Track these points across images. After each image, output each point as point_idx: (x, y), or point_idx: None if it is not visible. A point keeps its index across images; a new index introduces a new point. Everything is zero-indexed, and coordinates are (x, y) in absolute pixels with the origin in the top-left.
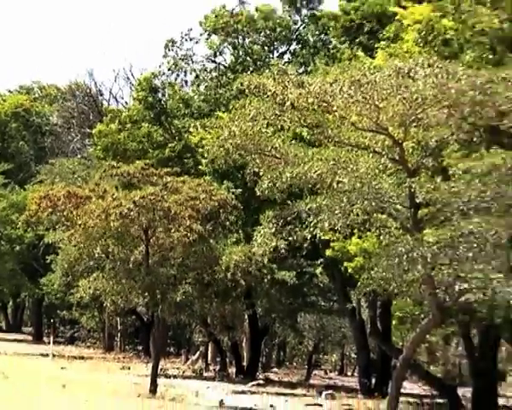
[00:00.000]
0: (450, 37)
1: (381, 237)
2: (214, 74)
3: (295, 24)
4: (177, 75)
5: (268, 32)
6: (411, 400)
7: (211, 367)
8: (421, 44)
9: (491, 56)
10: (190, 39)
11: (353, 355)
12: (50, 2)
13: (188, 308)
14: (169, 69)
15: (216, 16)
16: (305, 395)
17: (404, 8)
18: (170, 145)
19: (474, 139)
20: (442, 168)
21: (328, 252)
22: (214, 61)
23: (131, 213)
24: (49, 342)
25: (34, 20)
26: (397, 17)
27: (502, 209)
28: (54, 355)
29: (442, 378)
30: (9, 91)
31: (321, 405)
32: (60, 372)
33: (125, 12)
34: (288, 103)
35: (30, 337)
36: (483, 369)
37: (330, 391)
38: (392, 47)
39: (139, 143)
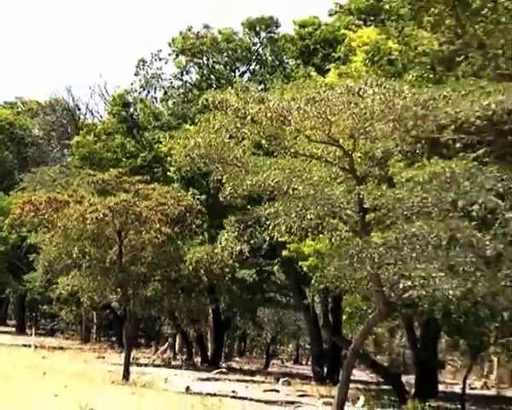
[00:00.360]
0: (394, 57)
1: (333, 240)
2: (181, 91)
3: (254, 45)
4: (148, 92)
5: (230, 53)
6: (360, 386)
7: (178, 357)
8: (369, 65)
9: (431, 76)
10: (160, 59)
11: (307, 346)
12: (31, 23)
13: (157, 303)
14: (140, 86)
15: (183, 38)
16: (263, 382)
17: (353, 31)
18: (141, 155)
19: (417, 150)
20: (387, 177)
21: (285, 252)
22: (181, 79)
23: (106, 216)
24: (31, 334)
25: (17, 40)
26: (346, 40)
27: (441, 214)
28: (35, 346)
29: (387, 367)
30: (6, 105)
31: (278, 390)
32: (41, 361)
33: (100, 32)
34: (248, 117)
35: (14, 329)
36: (424, 358)
37: (286, 378)
38: (343, 67)
39: (113, 154)
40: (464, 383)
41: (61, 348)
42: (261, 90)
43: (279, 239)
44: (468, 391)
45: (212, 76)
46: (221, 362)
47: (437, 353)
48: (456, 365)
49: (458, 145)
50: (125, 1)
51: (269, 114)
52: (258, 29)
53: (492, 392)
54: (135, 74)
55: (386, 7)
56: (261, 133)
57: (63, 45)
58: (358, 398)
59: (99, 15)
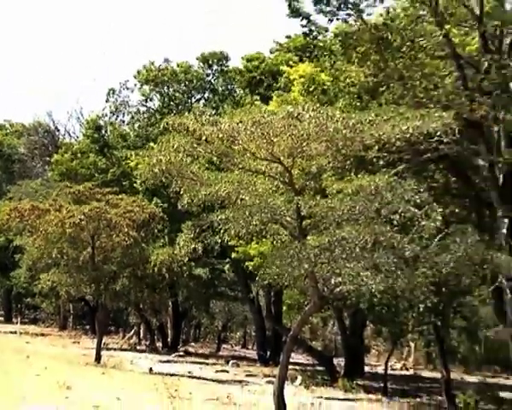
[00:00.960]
0: (327, 87)
1: (275, 243)
2: (145, 116)
3: (208, 76)
4: (117, 116)
5: (187, 83)
6: (298, 367)
7: (142, 342)
8: (305, 94)
9: (358, 103)
10: (127, 88)
11: (253, 333)
12: (14, 54)
13: (124, 296)
14: (110, 112)
15: (146, 70)
16: (215, 364)
17: (292, 66)
18: (111, 171)
19: (346, 167)
20: (321, 189)
21: (234, 254)
22: (145, 106)
23: (81, 222)
24: (16, 323)
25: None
26: (286, 73)
27: (367, 220)
28: (20, 333)
29: (321, 351)
30: None
31: (228, 371)
32: (25, 346)
33: (77, 65)
34: (203, 138)
35: (1, 319)
36: (353, 344)
37: (235, 361)
38: (283, 96)
39: (87, 169)
40: (386, 364)
41: (43, 335)
42: (214, 114)
43: (229, 242)
44: (389, 372)
45: (171, 103)
46: (179, 347)
47: (363, 339)
48: (379, 349)
49: (381, 162)
50: (97, 37)
51: (220, 135)
52: (210, 62)
53: (410, 372)
54: (106, 101)
55: (320, 44)
56: (213, 152)
57: (45, 74)
58: (296, 377)
59: (75, 50)
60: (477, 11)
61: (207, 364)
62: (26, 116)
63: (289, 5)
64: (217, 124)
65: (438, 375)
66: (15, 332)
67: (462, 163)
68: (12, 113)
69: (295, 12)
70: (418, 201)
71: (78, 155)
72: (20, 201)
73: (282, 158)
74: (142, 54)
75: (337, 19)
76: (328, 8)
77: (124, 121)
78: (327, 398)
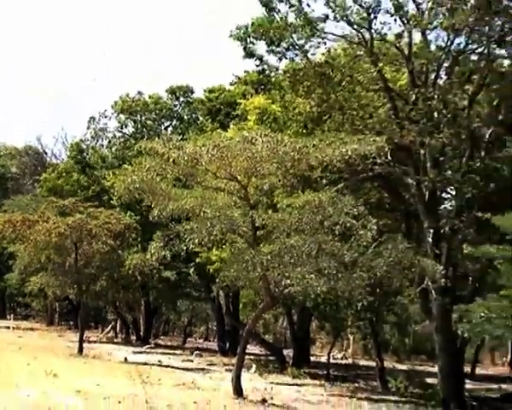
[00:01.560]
0: (277, 117)
1: (232, 250)
2: (121, 140)
3: (175, 106)
4: (97, 141)
5: (157, 112)
6: (252, 357)
7: (119, 336)
8: (259, 122)
9: (304, 130)
10: (105, 117)
11: (214, 328)
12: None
13: (103, 296)
14: (91, 137)
15: (122, 101)
16: (181, 354)
17: (248, 98)
18: (91, 187)
19: (294, 184)
20: (273, 204)
21: (198, 259)
22: (121, 132)
23: (66, 232)
24: (10, 319)
25: None
26: (242, 104)
27: (312, 231)
28: (13, 328)
29: (273, 343)
30: None
31: (192, 360)
32: (17, 339)
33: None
34: (170, 160)
35: None
36: (300, 336)
37: (198, 352)
38: (240, 124)
39: (71, 186)
40: (329, 354)
41: (32, 330)
42: (180, 140)
43: (193, 249)
44: (331, 361)
45: (143, 129)
46: (150, 340)
47: (309, 332)
48: (322, 341)
49: (324, 181)
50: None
51: (185, 158)
52: (177, 94)
53: (349, 361)
54: (87, 128)
55: (272, 80)
56: (180, 172)
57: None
58: (251, 366)
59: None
60: (406, 51)
61: (175, 354)
62: (17, 140)
63: (244, 48)
64: (182, 148)
65: (373, 363)
66: (9, 327)
67: (394, 181)
68: (3, 136)
69: (250, 54)
70: (356, 213)
71: (63, 174)
72: (12, 213)
73: (238, 177)
74: (118, 86)
75: (286, 58)
76: (278, 50)
77: (103, 145)
78: (277, 383)
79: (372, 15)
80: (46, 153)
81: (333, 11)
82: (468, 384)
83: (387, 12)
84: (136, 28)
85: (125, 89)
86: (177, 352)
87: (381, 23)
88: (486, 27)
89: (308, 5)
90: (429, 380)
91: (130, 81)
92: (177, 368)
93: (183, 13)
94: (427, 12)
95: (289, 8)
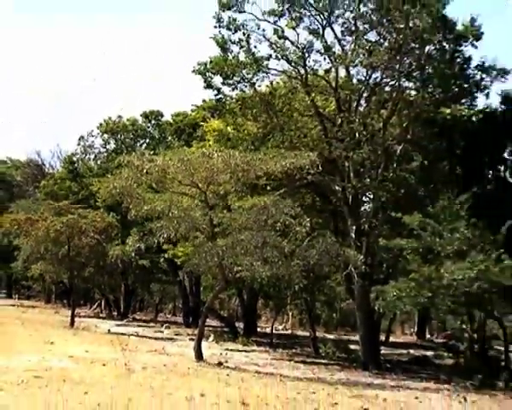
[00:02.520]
0: (230, 136)
1: (195, 243)
2: (105, 154)
3: (148, 127)
4: (85, 155)
5: (134, 132)
6: (211, 328)
7: (103, 312)
8: (216, 141)
9: (252, 147)
10: (92, 136)
11: (180, 305)
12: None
13: (91, 280)
14: (81, 152)
15: (106, 123)
16: (153, 327)
17: (206, 121)
18: (81, 192)
19: (244, 190)
20: (227, 205)
21: (166, 255)
22: (105, 148)
23: (61, 228)
24: (15, 298)
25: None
26: (202, 126)
27: (258, 228)
28: (18, 305)
29: (227, 317)
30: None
31: (162, 331)
32: (21, 315)
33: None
34: (144, 171)
35: (4, 295)
36: (249, 312)
37: (167, 324)
38: (201, 142)
39: (65, 192)
40: (272, 326)
41: (33, 307)
42: (152, 154)
43: (164, 242)
44: (274, 332)
45: (123, 145)
46: (129, 315)
47: (256, 309)
48: (267, 316)
49: (268, 188)
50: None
51: (156, 169)
52: (150, 118)
53: (288, 332)
54: (77, 144)
55: (226, 106)
56: (152, 180)
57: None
58: (210, 336)
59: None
60: (333, 84)
61: (148, 327)
62: (20, 154)
63: (204, 81)
64: (154, 161)
65: (307, 333)
66: (14, 305)
67: (324, 188)
68: (8, 150)
69: (209, 86)
70: (293, 213)
71: (58, 181)
72: (17, 214)
73: (199, 184)
74: (104, 111)
75: (237, 89)
76: (231, 82)
77: (90, 158)
78: (231, 350)
79: (306, 55)
80: (44, 164)
81: (275, 51)
82: (383, 350)
83: (318, 52)
84: (116, 61)
85: (108, 110)
86: (150, 325)
87: (313, 61)
88: (397, 65)
89: (255, 46)
90: (352, 347)
91: (112, 103)
92: (150, 338)
93: (157, 50)
94: (350, 52)
95: (240, 48)
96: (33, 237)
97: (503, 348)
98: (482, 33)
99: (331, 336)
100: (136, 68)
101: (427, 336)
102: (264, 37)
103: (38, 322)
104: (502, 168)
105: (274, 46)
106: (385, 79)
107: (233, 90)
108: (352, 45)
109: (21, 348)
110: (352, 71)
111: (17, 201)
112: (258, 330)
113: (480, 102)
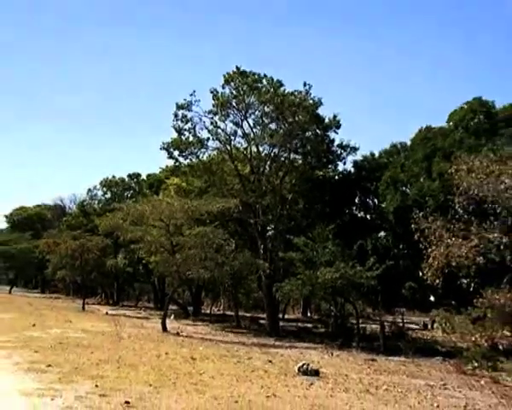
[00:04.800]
0: (185, 189)
1: (161, 257)
2: (104, 202)
3: (131, 183)
4: (92, 201)
5: (122, 186)
6: (172, 310)
7: (103, 301)
8: (175, 192)
9: (198, 196)
10: (96, 189)
11: (152, 296)
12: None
13: (95, 281)
14: (89, 199)
15: (105, 181)
16: (135, 310)
17: (168, 179)
18: (89, 225)
19: (192, 223)
20: (181, 233)
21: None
22: (104, 197)
23: (76, 248)
24: (46, 293)
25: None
26: (167, 182)
27: (201, 247)
28: (48, 297)
29: (182, 303)
30: (38, 206)
31: (141, 313)
32: (50, 303)
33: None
34: (130, 213)
35: (39, 292)
36: (196, 299)
37: (144, 308)
38: (166, 192)
39: (79, 224)
40: (211, 309)
41: (58, 298)
42: (134, 202)
43: (141, 257)
44: (212, 312)
45: (116, 196)
46: (120, 303)
47: (201, 298)
48: (208, 302)
49: (208, 221)
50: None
51: (138, 212)
52: (132, 177)
53: (221, 312)
54: (86, 194)
55: (182, 169)
56: (134, 218)
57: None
58: (171, 315)
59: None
60: (248, 156)
61: (131, 310)
62: (47, 199)
63: (167, 153)
64: (135, 207)
65: (233, 313)
66: (46, 297)
67: (243, 221)
68: (42, 197)
69: (170, 156)
70: (223, 238)
71: (74, 218)
72: (48, 239)
73: (164, 220)
74: (104, 171)
75: (188, 158)
76: (184, 154)
77: (94, 203)
78: (185, 324)
79: (231, 138)
80: (65, 207)
81: (211, 135)
82: (281, 323)
83: (239, 136)
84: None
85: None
86: (133, 309)
87: (237, 142)
88: (288, 144)
89: (199, 132)
90: (261, 321)
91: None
92: (133, 317)
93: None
94: (258, 136)
95: (189, 134)
96: (58, 253)
97: (355, 322)
98: (340, 124)
99: (248, 315)
100: (124, 144)
101: (309, 314)
102: (204, 126)
103: (62, 308)
104: (354, 208)
105: (211, 132)
106: (281, 153)
107: (185, 159)
108: (260, 132)
109: (51, 325)
110: (260, 148)
111: (48, 230)
112: (202, 311)
113: (340, 167)
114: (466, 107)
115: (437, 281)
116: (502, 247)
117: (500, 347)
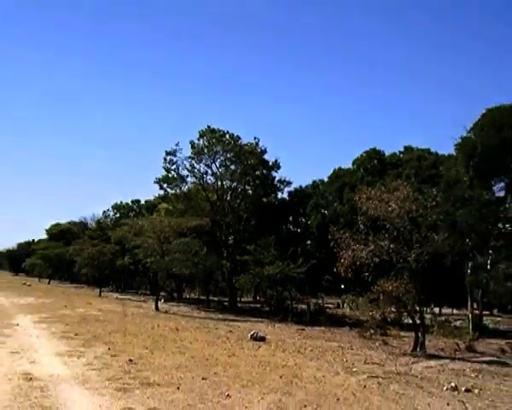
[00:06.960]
0: (171, 211)
1: (154, 259)
2: (115, 219)
3: (134, 207)
4: (106, 219)
5: (128, 209)
6: (162, 296)
7: (115, 289)
8: (165, 213)
9: (181, 215)
10: (108, 211)
11: (149, 286)
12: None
13: (108, 275)
14: (104, 217)
15: (116, 205)
16: (137, 295)
17: (160, 203)
18: (104, 236)
19: (178, 235)
20: (169, 241)
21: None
22: (115, 216)
23: (95, 252)
24: (75, 284)
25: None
26: (159, 206)
27: (183, 252)
28: (75, 287)
29: (170, 291)
30: (68, 222)
31: (141, 298)
32: (76, 290)
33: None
34: (132, 228)
35: (69, 283)
36: (179, 288)
37: (143, 294)
38: (158, 213)
39: (96, 236)
40: (189, 295)
41: (82, 287)
42: (136, 220)
43: (140, 259)
44: (191, 297)
45: (123, 215)
46: (126, 291)
47: (182, 286)
48: (188, 290)
49: (188, 233)
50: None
51: (137, 226)
52: (134, 202)
53: (197, 297)
54: (102, 214)
55: (169, 198)
56: (136, 231)
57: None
58: (162, 299)
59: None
60: (216, 188)
61: (134, 296)
62: (73, 218)
63: (158, 185)
64: (136, 223)
65: (205, 297)
66: (73, 287)
67: (213, 234)
68: (68, 216)
69: (161, 188)
70: (199, 246)
71: (93, 231)
72: (75, 246)
73: (157, 232)
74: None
75: (173, 189)
76: (171, 186)
77: (108, 220)
78: (171, 305)
79: (204, 176)
80: (87, 223)
81: (191, 173)
82: (239, 304)
83: (210, 174)
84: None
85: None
86: (135, 295)
87: (208, 178)
88: (243, 180)
89: (182, 171)
90: (225, 303)
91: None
92: (135, 300)
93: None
94: (223, 175)
95: (174, 172)
96: (83, 256)
97: (290, 303)
98: (280, 166)
99: (216, 298)
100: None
101: (258, 298)
102: (185, 167)
103: (85, 294)
104: (289, 225)
105: (190, 171)
106: (238, 186)
107: (171, 190)
108: (224, 171)
109: (77, 306)
110: (224, 182)
111: (75, 240)
112: (184, 296)
113: (279, 195)
114: (365, 154)
115: (347, 274)
116: (390, 251)
117: (388, 319)
